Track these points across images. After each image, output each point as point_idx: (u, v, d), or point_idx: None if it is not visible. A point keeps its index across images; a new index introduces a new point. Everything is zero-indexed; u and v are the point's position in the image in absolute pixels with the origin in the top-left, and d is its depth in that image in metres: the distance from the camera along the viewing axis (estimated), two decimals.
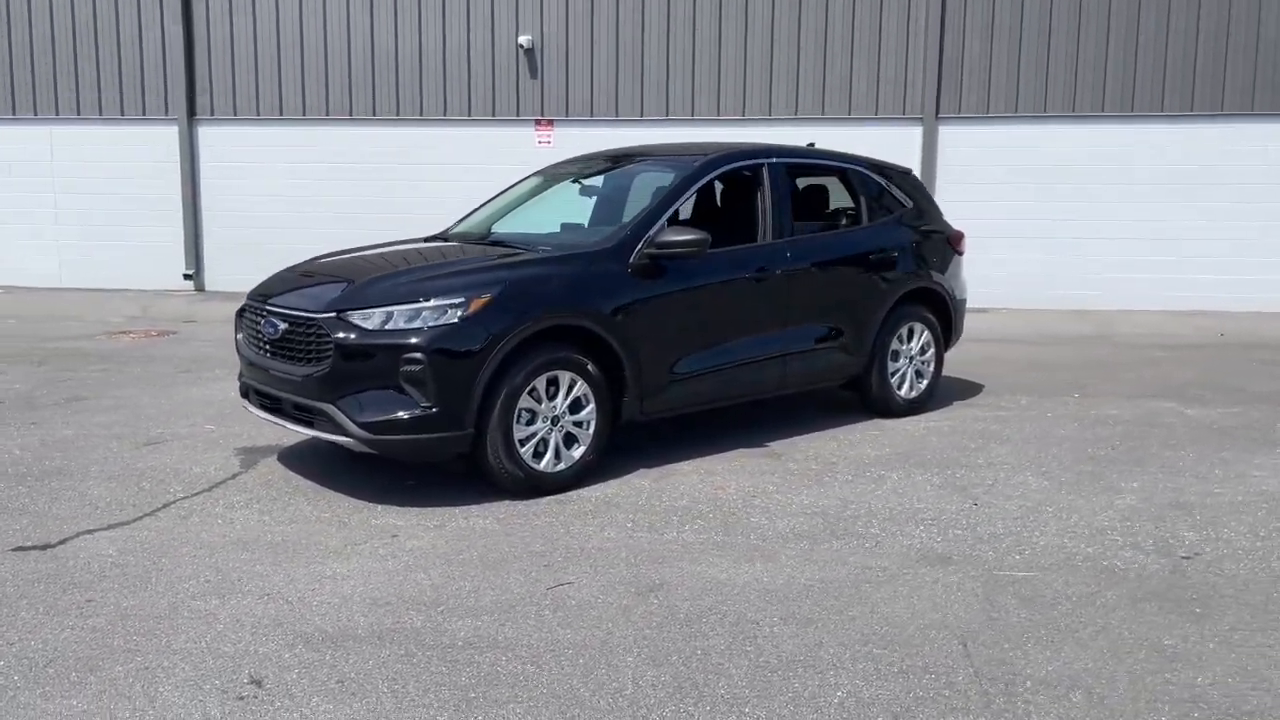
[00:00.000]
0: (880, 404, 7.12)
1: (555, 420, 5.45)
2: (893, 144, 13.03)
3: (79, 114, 14.73)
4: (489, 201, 7.14)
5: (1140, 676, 3.53)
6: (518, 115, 13.85)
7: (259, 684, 3.45)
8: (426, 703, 3.33)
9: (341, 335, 5.11)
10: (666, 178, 6.26)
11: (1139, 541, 4.84)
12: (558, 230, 6.56)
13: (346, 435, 5.15)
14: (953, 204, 13.04)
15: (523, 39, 13.62)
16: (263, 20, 14.16)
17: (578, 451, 5.56)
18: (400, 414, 5.08)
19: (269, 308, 5.50)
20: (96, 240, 14.76)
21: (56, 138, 14.85)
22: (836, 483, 5.73)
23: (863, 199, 7.09)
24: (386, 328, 5.10)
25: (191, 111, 14.45)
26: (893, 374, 7.13)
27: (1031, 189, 13.24)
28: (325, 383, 5.17)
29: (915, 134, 13.29)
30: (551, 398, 5.43)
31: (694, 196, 6.69)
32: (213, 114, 14.49)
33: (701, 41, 13.46)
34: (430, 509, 5.25)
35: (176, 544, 4.74)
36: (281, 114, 14.30)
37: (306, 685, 3.44)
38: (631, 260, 5.74)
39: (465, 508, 5.27)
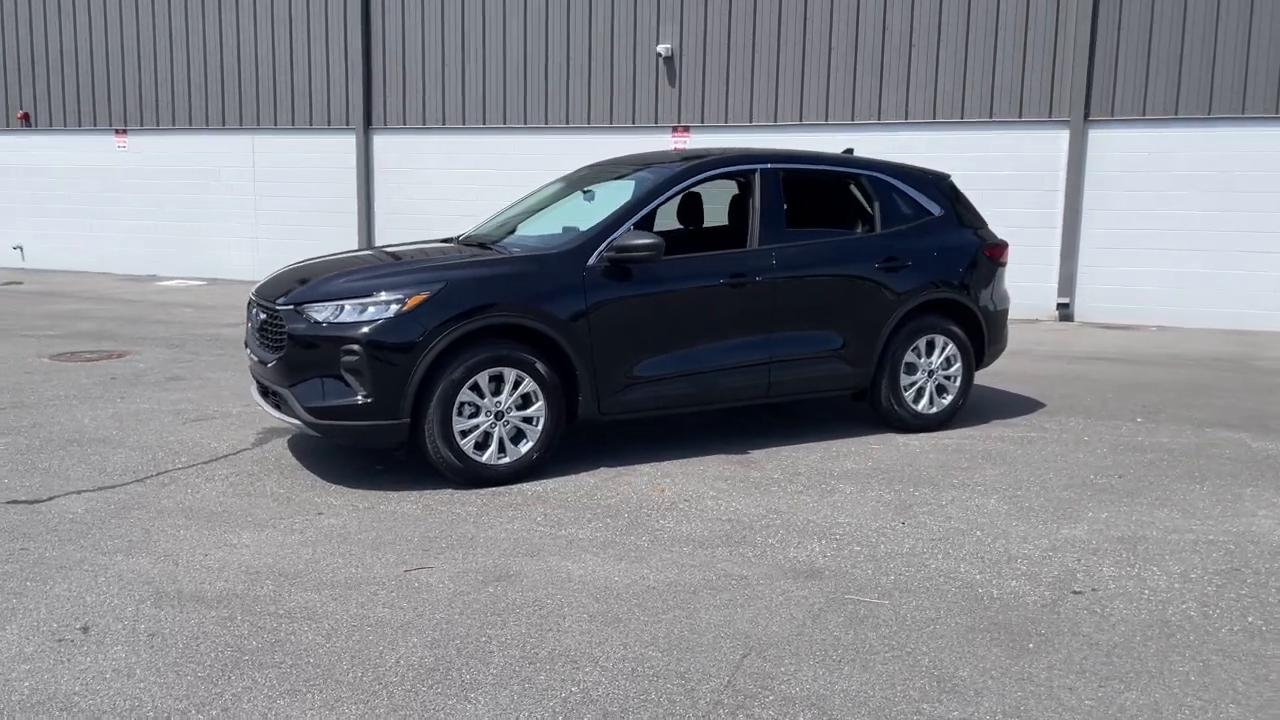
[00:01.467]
0: (893, 418, 6.90)
1: (500, 415, 5.68)
2: (1035, 149, 12.47)
3: (275, 124, 16.22)
4: (514, 204, 7.43)
5: (895, 703, 3.40)
6: (656, 123, 14.12)
7: (85, 630, 3.89)
8: (196, 659, 3.66)
9: (295, 326, 5.57)
10: (645, 185, 6.35)
11: (1040, 573, 4.55)
12: (558, 233, 6.76)
13: (298, 419, 5.60)
14: (1102, 213, 12.35)
15: (661, 48, 13.89)
16: (430, 39, 15.14)
17: (525, 447, 5.77)
18: (341, 401, 5.48)
19: (255, 299, 6.03)
20: (287, 238, 16.20)
21: (257, 146, 16.40)
22: (782, 493, 5.67)
23: (877, 206, 6.89)
24: (334, 320, 5.50)
25: (367, 121, 15.60)
26: (907, 387, 6.89)
27: (1193, 198, 12.24)
28: (283, 369, 5.64)
29: (1061, 138, 12.59)
30: (496, 393, 5.67)
31: (678, 202, 6.74)
32: (385, 123, 15.58)
33: (837, 47, 13.27)
34: (373, 492, 5.61)
35: (135, 507, 5.32)
36: (444, 123, 15.23)
37: (119, 634, 3.85)
38: (590, 263, 5.89)
39: (404, 493, 5.60)
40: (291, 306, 5.64)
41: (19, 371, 8.90)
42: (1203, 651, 3.79)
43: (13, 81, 18.01)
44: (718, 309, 6.25)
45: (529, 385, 5.73)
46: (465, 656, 3.70)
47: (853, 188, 7.03)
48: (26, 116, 18.07)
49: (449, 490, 5.65)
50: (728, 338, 6.29)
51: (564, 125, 14.58)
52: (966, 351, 7.06)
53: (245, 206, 16.59)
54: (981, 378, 8.70)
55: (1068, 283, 12.74)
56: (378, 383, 5.43)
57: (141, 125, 17.21)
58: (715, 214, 7.23)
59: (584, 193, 6.85)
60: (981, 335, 7.14)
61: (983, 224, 7.36)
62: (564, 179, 7.40)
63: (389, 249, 6.81)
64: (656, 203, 6.25)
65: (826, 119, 13.45)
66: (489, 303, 5.63)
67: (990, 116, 12.84)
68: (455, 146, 15.18)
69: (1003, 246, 7.34)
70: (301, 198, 16.23)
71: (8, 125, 18.18)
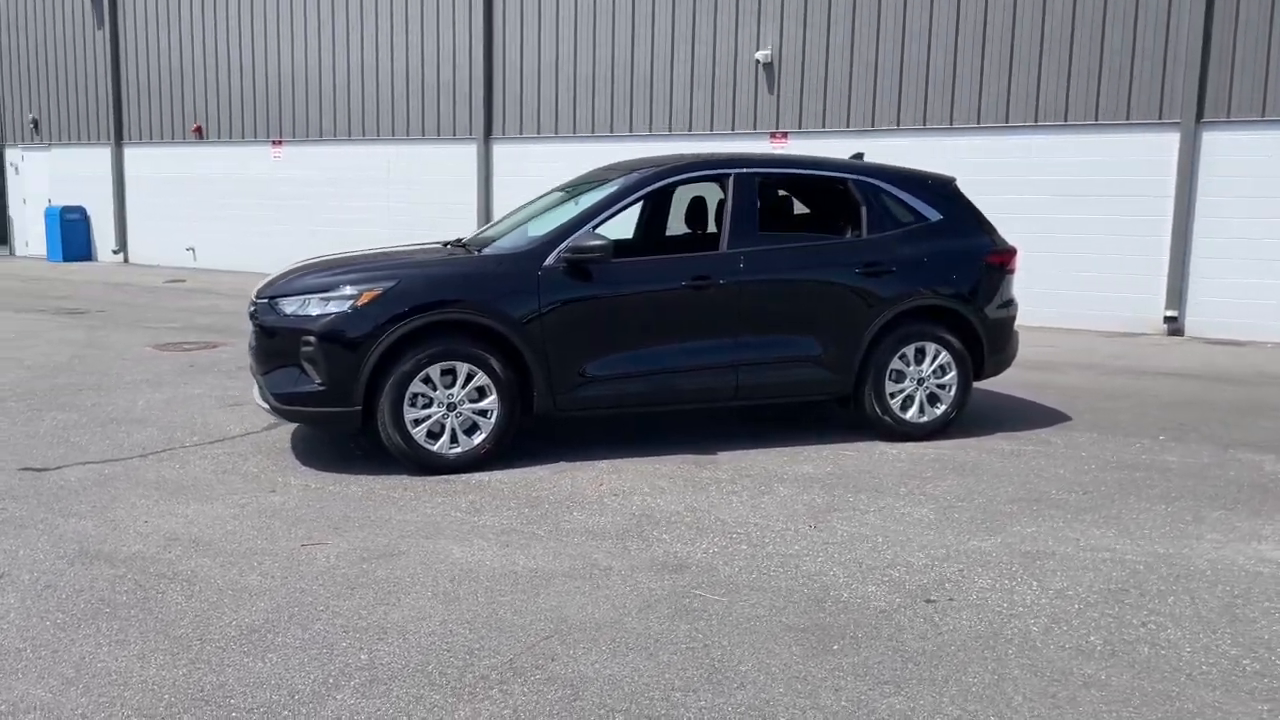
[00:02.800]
0: (880, 426, 6.81)
1: (452, 407, 5.99)
2: (1143, 152, 11.90)
3: (408, 135, 17.18)
4: (519, 209, 7.72)
5: (649, 689, 3.48)
6: (754, 129, 14.17)
7: (2, 577, 4.43)
8: (65, 609, 4.11)
9: (267, 318, 6.05)
10: (612, 190, 6.52)
11: (908, 581, 4.48)
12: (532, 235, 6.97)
13: (267, 404, 6.07)
14: (1216, 220, 11.64)
15: (760, 54, 13.94)
16: (545, 53, 15.72)
17: (477, 439, 6.05)
18: (301, 389, 5.91)
19: (252, 296, 6.56)
20: (417, 239, 17.02)
21: (391, 155, 17.40)
22: (714, 493, 5.73)
23: (864, 211, 6.80)
24: (298, 313, 5.94)
25: (487, 131, 16.30)
26: (894, 395, 6.78)
27: None
28: (258, 358, 6.14)
29: (1171, 140, 11.90)
30: (449, 386, 5.97)
31: (647, 206, 6.89)
32: (504, 133, 16.25)
33: (936, 50, 12.98)
34: (334, 474, 6.02)
35: (120, 479, 5.91)
36: (556, 131, 15.76)
37: (21, 583, 4.35)
38: (547, 263, 6.12)
39: (360, 477, 5.98)
40: (266, 300, 6.12)
41: (119, 358, 9.86)
42: (1008, 665, 3.68)
43: (190, 96, 19.74)
44: (679, 311, 6.35)
45: (482, 379, 5.99)
46: (291, 622, 4.01)
47: (839, 193, 6.96)
48: (200, 129, 19.75)
49: (403, 476, 5.99)
50: (690, 339, 6.37)
51: (666, 133, 14.81)
52: (962, 360, 6.87)
53: (380, 211, 17.61)
54: (1016, 389, 8.44)
55: (1176, 295, 12.00)
56: (331, 372, 5.83)
57: (294, 137, 18.54)
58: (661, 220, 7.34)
59: (573, 198, 7.07)
60: (980, 344, 6.92)
61: (988, 230, 7.14)
62: (565, 185, 7.63)
63: (389, 249, 7.22)
64: (618, 207, 6.40)
65: (924, 123, 13.16)
66: (440, 300, 5.94)
67: (1096, 119, 12.25)
68: (562, 154, 15.63)
69: (1008, 253, 7.10)
70: (429, 204, 17.10)
71: (184, 137, 19.92)
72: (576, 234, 6.18)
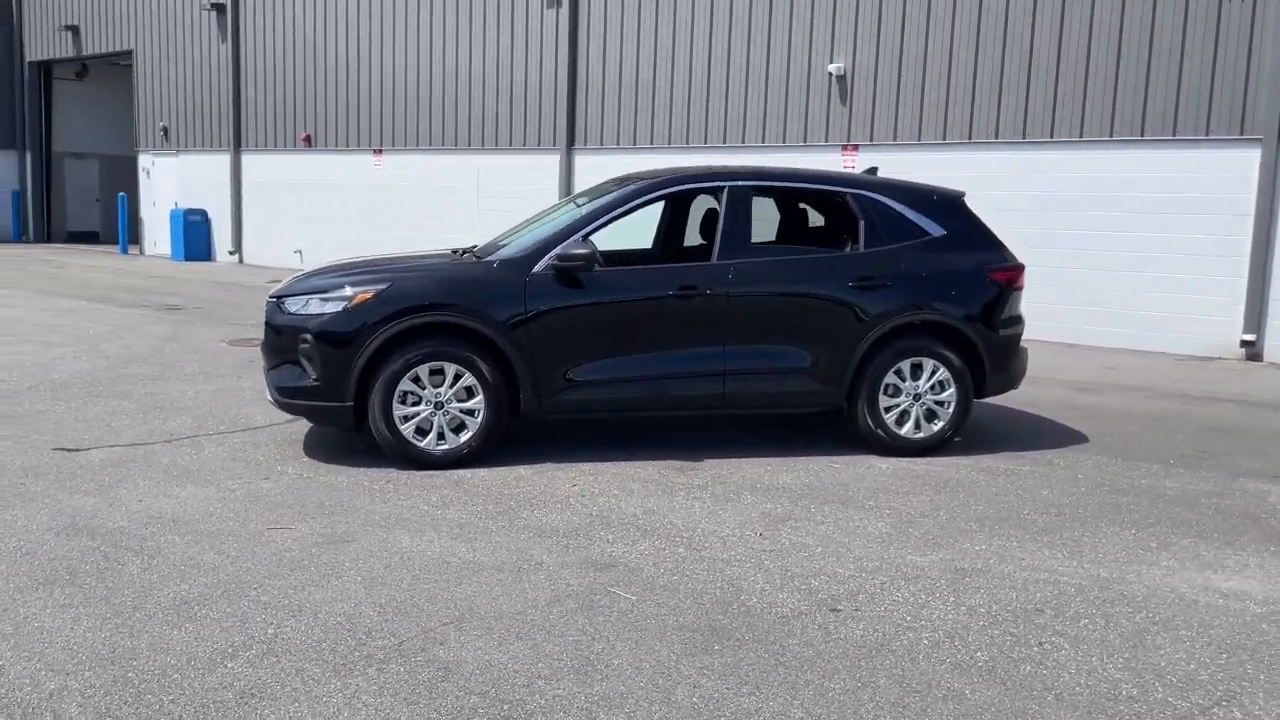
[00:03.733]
0: (874, 440, 6.81)
1: (440, 405, 6.26)
2: (1223, 169, 11.47)
3: (497, 145, 17.70)
4: (532, 219, 7.95)
5: (512, 674, 3.65)
6: (826, 141, 14.15)
7: None
8: (31, 574, 4.51)
9: (275, 317, 6.44)
10: (606, 201, 6.70)
11: (823, 589, 4.54)
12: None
13: (272, 398, 6.46)
14: None
15: (833, 67, 13.92)
16: (625, 67, 16.02)
17: (464, 437, 6.32)
18: (298, 384, 6.28)
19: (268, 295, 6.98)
20: None
21: (480, 164, 17.96)
22: (679, 498, 5.85)
23: (862, 225, 6.81)
24: (300, 312, 6.31)
25: (570, 142, 16.69)
26: (888, 409, 6.78)
27: None
28: (265, 353, 6.54)
29: (1252, 158, 11.42)
30: (438, 385, 6.25)
31: (665, 216, 7.03)
32: (585, 144, 16.60)
33: (1010, 62, 12.76)
34: (330, 465, 6.37)
35: (137, 461, 6.37)
36: (635, 143, 16.01)
37: (4, 549, 4.79)
38: (536, 270, 6.35)
39: (352, 469, 6.30)
40: (275, 300, 6.51)
41: (191, 352, 10.51)
42: (877, 676, 3.72)
43: (300, 108, 20.74)
44: (666, 319, 6.49)
45: (469, 380, 6.25)
46: (221, 597, 4.31)
47: (838, 206, 6.99)
48: (309, 138, 20.72)
49: (392, 470, 6.29)
50: (677, 348, 6.51)
51: (739, 144, 14.91)
52: (961, 377, 6.81)
53: (470, 218, 18.16)
54: (1045, 408, 8.30)
55: (1255, 318, 11.50)
56: (325, 368, 6.17)
57: (394, 146, 19.29)
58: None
59: (577, 207, 7.28)
60: (981, 361, 6.85)
61: (995, 246, 7.05)
62: (577, 194, 7.84)
63: (403, 255, 7.55)
64: (609, 217, 6.58)
65: (996, 136, 12.93)
66: (429, 303, 6.22)
67: (1174, 134, 11.84)
68: (639, 165, 15.72)
69: (1015, 270, 7.01)
70: (515, 211, 17.47)
71: (294, 145, 20.93)
72: (565, 242, 6.38)
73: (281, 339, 6.38)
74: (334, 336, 6.17)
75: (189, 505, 5.53)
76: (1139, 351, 11.89)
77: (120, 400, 8.09)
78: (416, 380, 6.22)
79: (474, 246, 7.66)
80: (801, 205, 7.19)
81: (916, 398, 6.81)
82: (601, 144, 16.44)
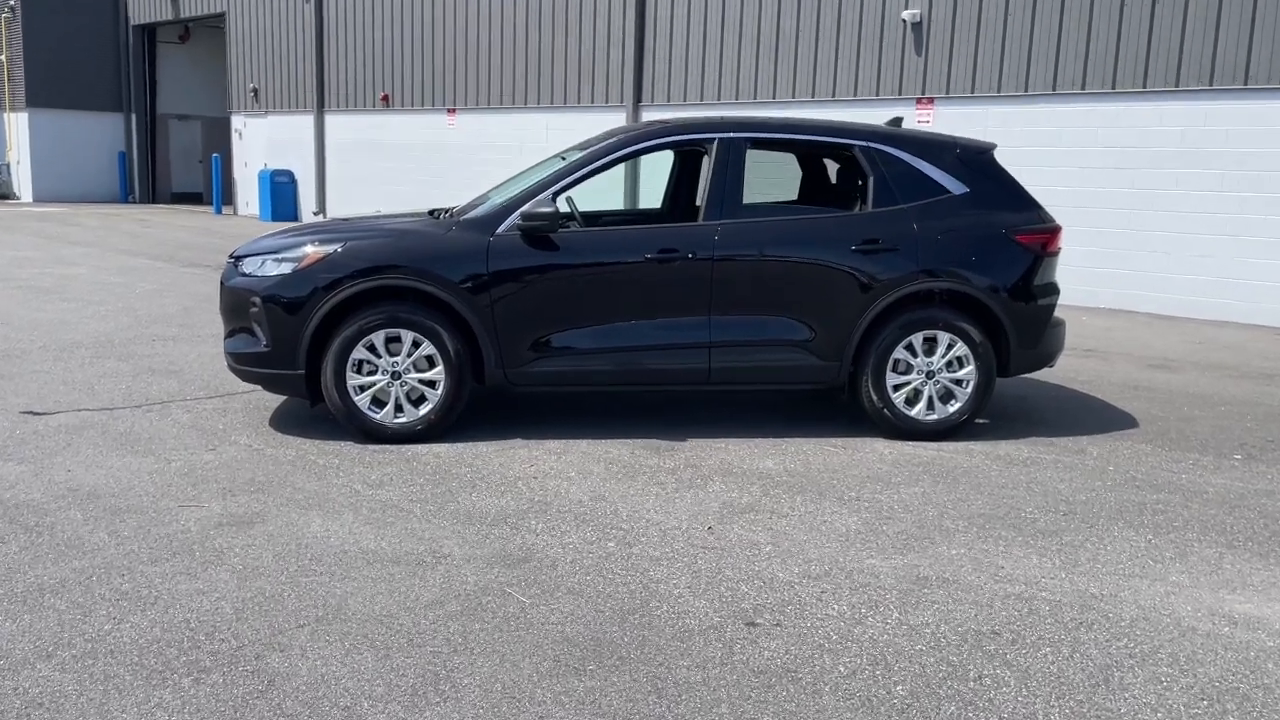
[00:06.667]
0: (881, 421, 6.14)
1: (396, 375, 5.84)
2: None
3: (565, 103, 17.24)
4: (518, 174, 7.42)
5: (338, 682, 3.20)
6: (899, 94, 13.25)
7: None
8: None
9: (231, 279, 6.09)
10: (581, 155, 6.13)
11: (748, 598, 3.96)
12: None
13: (228, 365, 6.13)
14: None
15: (908, 14, 12.99)
16: (694, 21, 15.34)
17: (423, 409, 5.88)
18: (249, 349, 5.92)
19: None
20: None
21: (549, 123, 17.53)
22: (637, 483, 5.32)
23: (871, 181, 6.09)
24: (252, 274, 5.94)
25: (637, 98, 16.11)
26: (897, 388, 6.09)
27: None
28: (224, 316, 6.20)
29: None
30: (395, 354, 5.82)
31: (674, 173, 6.44)
32: (653, 100, 16.00)
33: (1100, 9, 11.63)
34: (284, 436, 6.03)
35: (94, 428, 6.13)
36: (702, 99, 15.34)
37: None
38: (500, 230, 5.85)
39: (303, 440, 5.94)
40: (233, 261, 6.16)
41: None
42: (763, 710, 3.15)
43: (379, 68, 20.60)
44: (643, 285, 5.92)
45: (429, 349, 5.81)
46: (82, 584, 3.96)
47: (844, 160, 6.27)
48: (388, 98, 20.58)
49: (348, 443, 5.90)
50: (656, 316, 5.94)
51: (809, 99, 14.09)
52: (982, 353, 6.07)
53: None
54: (1100, 387, 7.49)
55: None
56: (274, 334, 5.80)
57: (467, 105, 18.98)
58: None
59: (563, 161, 6.73)
60: (1005, 335, 6.09)
61: (1027, 205, 6.24)
62: (565, 150, 7.28)
63: (371, 216, 7.12)
64: (583, 172, 6.02)
65: (1083, 87, 11.84)
66: (382, 264, 5.78)
67: (1268, 82, 10.60)
68: None
69: (1049, 232, 6.19)
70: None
71: (373, 105, 20.82)
72: (532, 201, 5.86)
73: (235, 301, 6.03)
74: (284, 300, 5.78)
75: (115, 477, 5.23)
76: (1245, 325, 10.76)
77: (120, 362, 7.92)
78: (372, 348, 5.79)
79: (453, 207, 7.19)
80: (802, 159, 6.49)
81: (930, 375, 6.09)
82: (669, 99, 15.80)
